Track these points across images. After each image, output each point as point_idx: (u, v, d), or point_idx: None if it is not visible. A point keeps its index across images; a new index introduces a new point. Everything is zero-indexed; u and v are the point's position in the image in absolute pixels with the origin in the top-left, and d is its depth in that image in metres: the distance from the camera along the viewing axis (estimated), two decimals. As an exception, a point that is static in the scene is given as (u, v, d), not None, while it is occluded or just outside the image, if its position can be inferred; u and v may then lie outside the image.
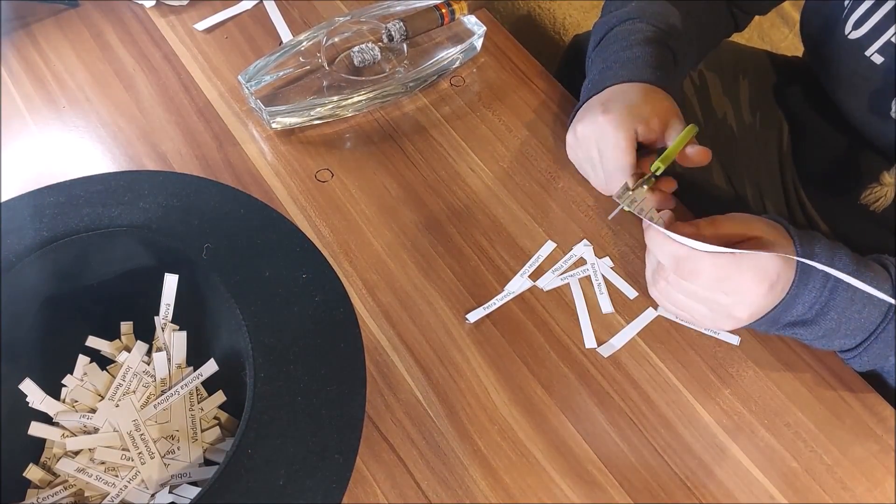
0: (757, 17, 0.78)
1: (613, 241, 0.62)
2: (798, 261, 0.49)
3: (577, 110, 0.62)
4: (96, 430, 0.49)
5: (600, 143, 0.57)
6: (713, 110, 0.79)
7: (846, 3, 0.64)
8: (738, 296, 0.50)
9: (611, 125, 0.56)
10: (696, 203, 0.63)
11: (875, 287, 0.50)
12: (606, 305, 0.58)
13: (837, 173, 0.72)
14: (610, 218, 0.59)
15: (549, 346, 0.56)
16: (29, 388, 0.49)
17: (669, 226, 0.50)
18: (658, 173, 0.54)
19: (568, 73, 0.73)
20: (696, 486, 0.51)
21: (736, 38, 0.83)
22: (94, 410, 0.50)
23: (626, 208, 0.52)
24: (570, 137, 0.62)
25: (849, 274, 0.49)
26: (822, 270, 0.49)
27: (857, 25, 0.62)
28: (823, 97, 0.71)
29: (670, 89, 0.60)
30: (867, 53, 0.62)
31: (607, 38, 0.65)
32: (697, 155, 0.56)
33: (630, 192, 0.53)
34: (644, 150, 0.58)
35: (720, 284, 0.49)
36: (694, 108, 0.79)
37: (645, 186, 0.54)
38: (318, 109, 0.66)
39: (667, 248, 0.50)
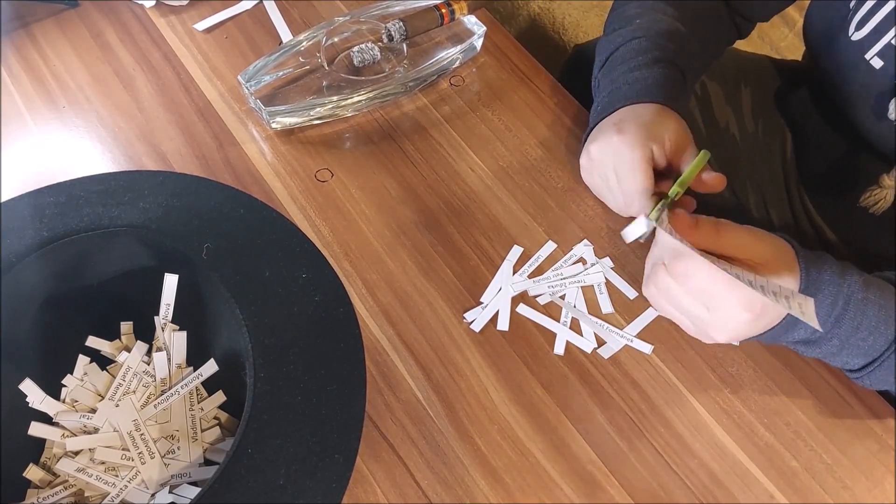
0: (757, 17, 0.78)
1: (614, 242, 0.62)
2: (802, 285, 0.48)
3: (589, 133, 0.61)
4: (96, 430, 0.49)
5: (617, 164, 0.56)
6: (715, 120, 0.79)
7: (851, 3, 0.63)
8: (719, 316, 0.48)
9: (626, 145, 0.55)
10: (698, 212, 0.63)
11: (889, 307, 0.49)
12: (606, 306, 0.59)
13: (841, 179, 0.72)
14: (628, 241, 0.56)
15: (548, 346, 0.56)
16: (29, 388, 0.49)
17: (675, 221, 0.49)
18: (676, 198, 0.53)
19: (569, 82, 0.73)
20: (696, 486, 0.51)
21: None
22: (94, 410, 0.50)
23: (653, 224, 0.50)
24: (583, 160, 0.61)
25: (859, 298, 0.48)
26: (829, 298, 0.48)
27: (859, 26, 0.62)
28: (826, 102, 0.71)
29: (680, 109, 0.59)
30: (867, 57, 0.62)
31: (613, 58, 0.64)
32: (713, 181, 0.55)
33: (653, 222, 0.50)
34: (656, 175, 0.56)
35: (705, 298, 0.48)
36: (696, 119, 0.78)
37: (665, 211, 0.52)
38: (318, 109, 0.66)
39: (669, 240, 0.48)
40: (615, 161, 0.56)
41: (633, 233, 0.51)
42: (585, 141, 0.61)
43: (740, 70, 0.81)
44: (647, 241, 0.53)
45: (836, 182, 0.73)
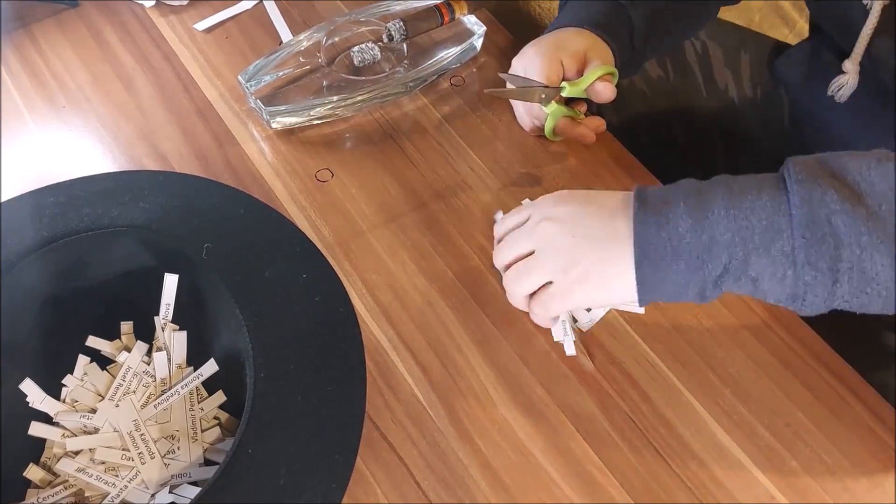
0: (756, 17, 0.78)
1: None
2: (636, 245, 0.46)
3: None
4: (96, 430, 0.49)
5: (527, 67, 0.63)
6: (715, 80, 0.81)
7: None
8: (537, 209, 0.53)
9: (538, 55, 0.63)
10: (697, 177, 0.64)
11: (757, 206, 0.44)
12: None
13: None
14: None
15: (549, 346, 0.56)
16: (29, 388, 0.49)
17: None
18: (563, 93, 0.62)
19: None
20: (696, 486, 0.51)
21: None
22: (94, 410, 0.50)
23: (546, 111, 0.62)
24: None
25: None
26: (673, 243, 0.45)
27: None
28: (826, 78, 0.71)
29: (611, 36, 0.64)
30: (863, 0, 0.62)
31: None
32: (604, 90, 0.61)
33: (542, 96, 0.61)
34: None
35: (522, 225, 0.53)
36: (696, 77, 0.80)
37: (554, 102, 0.62)
38: (318, 109, 0.66)
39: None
40: (527, 67, 0.64)
41: (549, 126, 0.64)
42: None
43: (741, 40, 0.82)
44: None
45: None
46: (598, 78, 0.62)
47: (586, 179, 0.65)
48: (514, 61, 0.66)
